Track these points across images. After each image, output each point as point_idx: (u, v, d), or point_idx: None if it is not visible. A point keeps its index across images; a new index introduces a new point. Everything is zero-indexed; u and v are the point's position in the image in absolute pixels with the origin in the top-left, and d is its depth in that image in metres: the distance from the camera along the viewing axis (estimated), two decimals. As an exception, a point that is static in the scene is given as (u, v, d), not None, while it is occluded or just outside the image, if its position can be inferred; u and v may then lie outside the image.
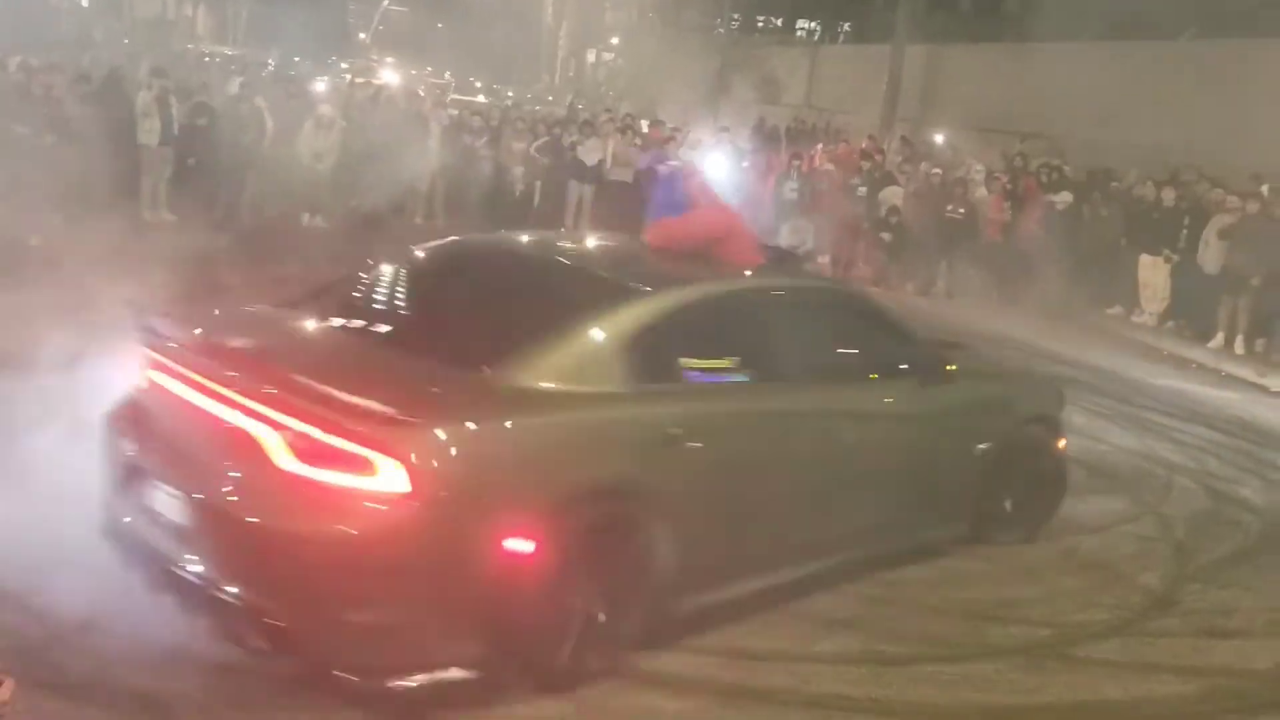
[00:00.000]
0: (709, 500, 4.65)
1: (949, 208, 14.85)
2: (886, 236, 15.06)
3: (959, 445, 5.96)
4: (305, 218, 14.15)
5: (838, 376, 5.49)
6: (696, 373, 4.78)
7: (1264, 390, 11.19)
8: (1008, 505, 6.22)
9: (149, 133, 13.23)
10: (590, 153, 15.64)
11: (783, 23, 45.85)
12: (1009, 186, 15.19)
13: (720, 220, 5.76)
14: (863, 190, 15.44)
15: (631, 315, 4.65)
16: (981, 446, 6.02)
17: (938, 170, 15.70)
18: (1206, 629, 5.56)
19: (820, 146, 17.70)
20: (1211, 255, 13.10)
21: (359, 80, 24.79)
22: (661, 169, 6.49)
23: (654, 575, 4.43)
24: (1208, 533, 6.91)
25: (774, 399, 5.04)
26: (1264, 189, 13.70)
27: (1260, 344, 12.70)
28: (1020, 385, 6.98)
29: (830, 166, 16.37)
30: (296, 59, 30.82)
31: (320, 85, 18.86)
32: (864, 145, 17.57)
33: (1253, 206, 12.87)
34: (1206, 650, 5.36)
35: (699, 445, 4.55)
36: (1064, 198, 14.59)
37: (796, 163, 15.96)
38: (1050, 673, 4.93)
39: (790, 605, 5.27)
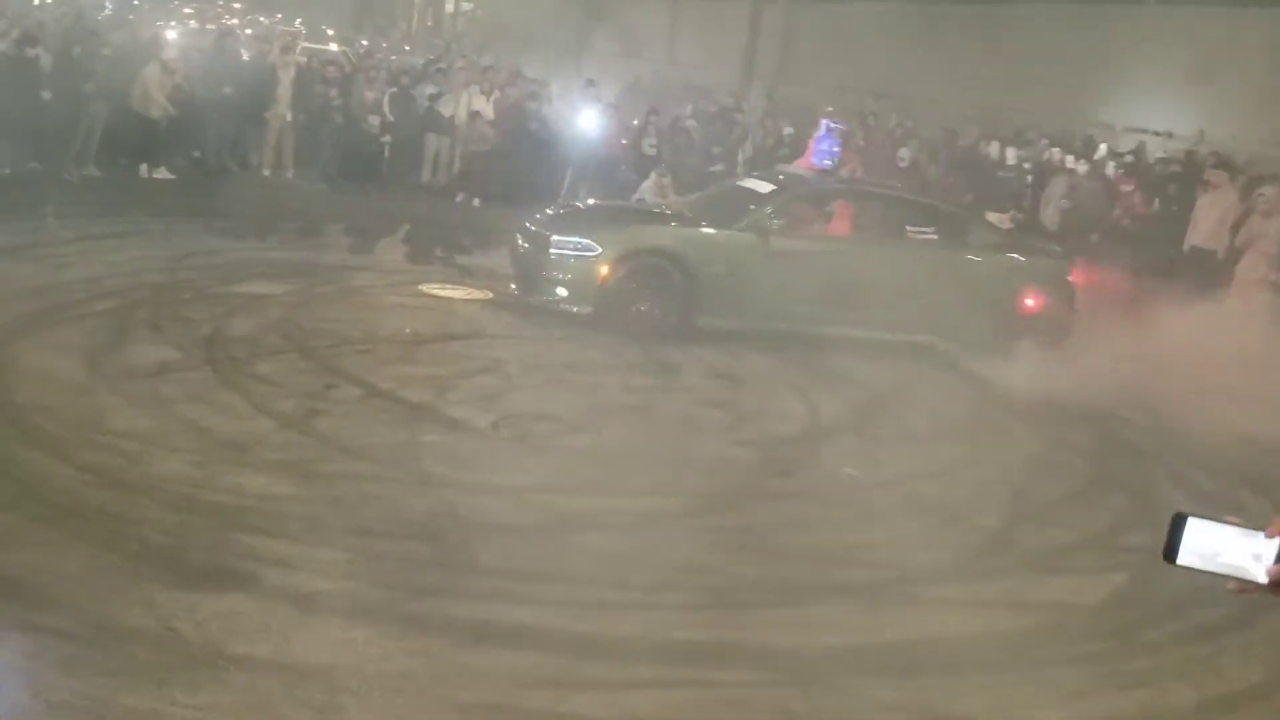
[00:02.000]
0: None
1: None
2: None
3: None
4: (144, 169, 13.49)
5: None
6: None
7: (1098, 340, 11.69)
8: None
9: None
10: (447, 104, 15.31)
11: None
12: (862, 144, 15.47)
13: None
14: (717, 150, 15.52)
15: None
16: None
17: (790, 130, 15.89)
18: (1039, 566, 5.84)
19: (690, 106, 17.70)
20: (1051, 213, 13.63)
21: (206, 26, 23.74)
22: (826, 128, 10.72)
23: None
24: (1042, 475, 7.23)
25: None
26: (1101, 149, 14.31)
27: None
28: None
29: (692, 123, 16.40)
30: (136, 1, 29.30)
31: (167, 31, 17.96)
32: (725, 102, 17.68)
33: (1084, 167, 13.43)
34: (1039, 586, 5.63)
35: None
36: (904, 154, 14.93)
37: (654, 118, 15.93)
38: (892, 612, 5.10)
39: (643, 553, 5.36)
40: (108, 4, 25.41)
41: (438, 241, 12.31)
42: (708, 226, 9.69)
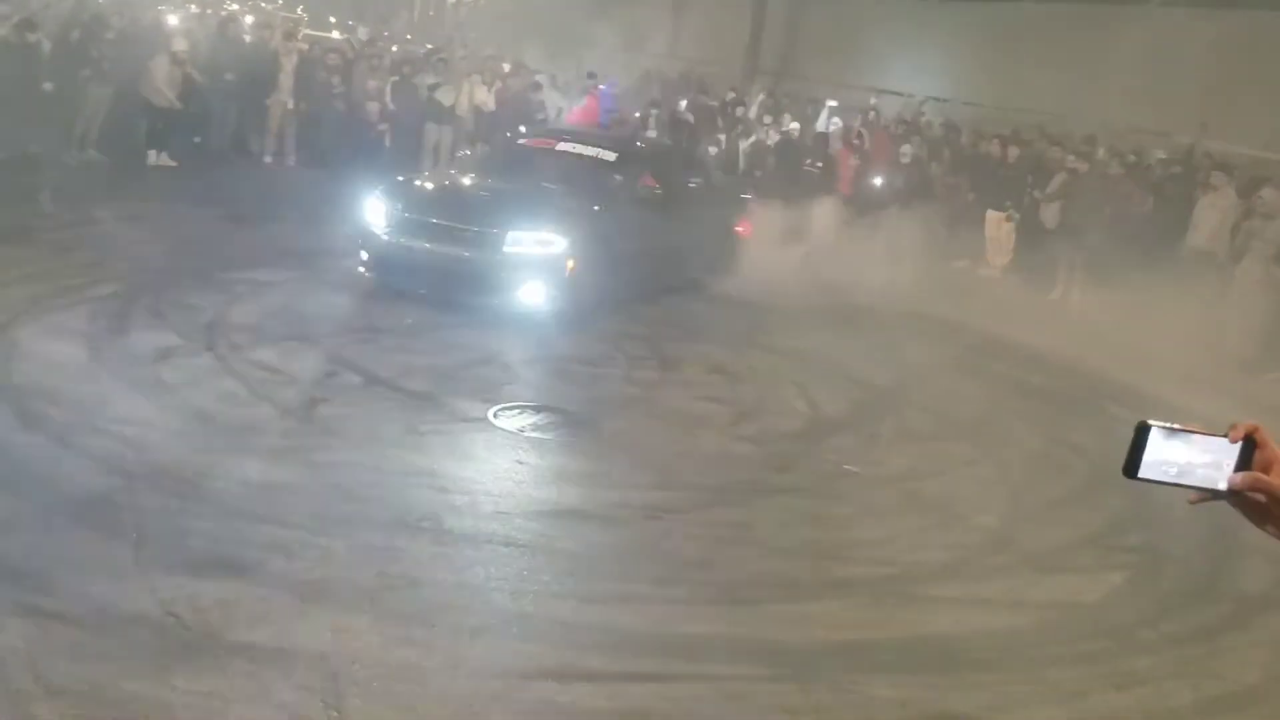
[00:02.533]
0: None
1: (807, 161, 15.06)
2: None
3: None
4: (152, 156, 13.46)
5: None
6: None
7: (1098, 340, 11.70)
8: None
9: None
10: (447, 94, 15.29)
11: (647, -30, 45.45)
12: (857, 141, 15.44)
13: None
14: (720, 139, 15.51)
15: None
16: None
17: (796, 124, 15.86)
18: (1038, 565, 5.85)
19: (684, 102, 17.67)
20: (1051, 212, 13.62)
21: (206, 12, 23.64)
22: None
23: None
24: (1041, 475, 7.24)
25: None
26: (1100, 152, 14.28)
27: (1095, 294, 13.33)
28: None
29: (690, 118, 16.39)
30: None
31: (169, 17, 17.87)
32: (727, 97, 17.67)
33: (1083, 166, 13.42)
34: (1038, 585, 5.64)
35: None
36: (907, 151, 14.91)
37: (654, 111, 15.92)
38: (892, 609, 5.11)
39: (643, 546, 5.36)
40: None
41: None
42: (599, 205, 9.61)
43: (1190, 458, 1.39)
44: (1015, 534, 6.20)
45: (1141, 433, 1.39)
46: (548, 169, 10.21)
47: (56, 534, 4.66)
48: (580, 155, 10.50)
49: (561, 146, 10.72)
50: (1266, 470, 1.37)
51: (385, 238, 9.10)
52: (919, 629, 4.96)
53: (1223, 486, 1.38)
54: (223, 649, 4.02)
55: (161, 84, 13.28)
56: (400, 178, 10.34)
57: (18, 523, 4.70)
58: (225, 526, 4.95)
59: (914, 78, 20.14)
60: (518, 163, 10.50)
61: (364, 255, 9.24)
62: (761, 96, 19.22)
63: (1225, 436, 1.38)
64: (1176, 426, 1.40)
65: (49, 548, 4.52)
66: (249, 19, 20.89)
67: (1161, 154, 14.95)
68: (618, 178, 10.21)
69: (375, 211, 9.19)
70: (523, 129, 12.98)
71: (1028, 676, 4.71)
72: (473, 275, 8.78)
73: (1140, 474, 1.41)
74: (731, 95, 17.79)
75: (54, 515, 4.81)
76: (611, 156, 10.49)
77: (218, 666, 3.91)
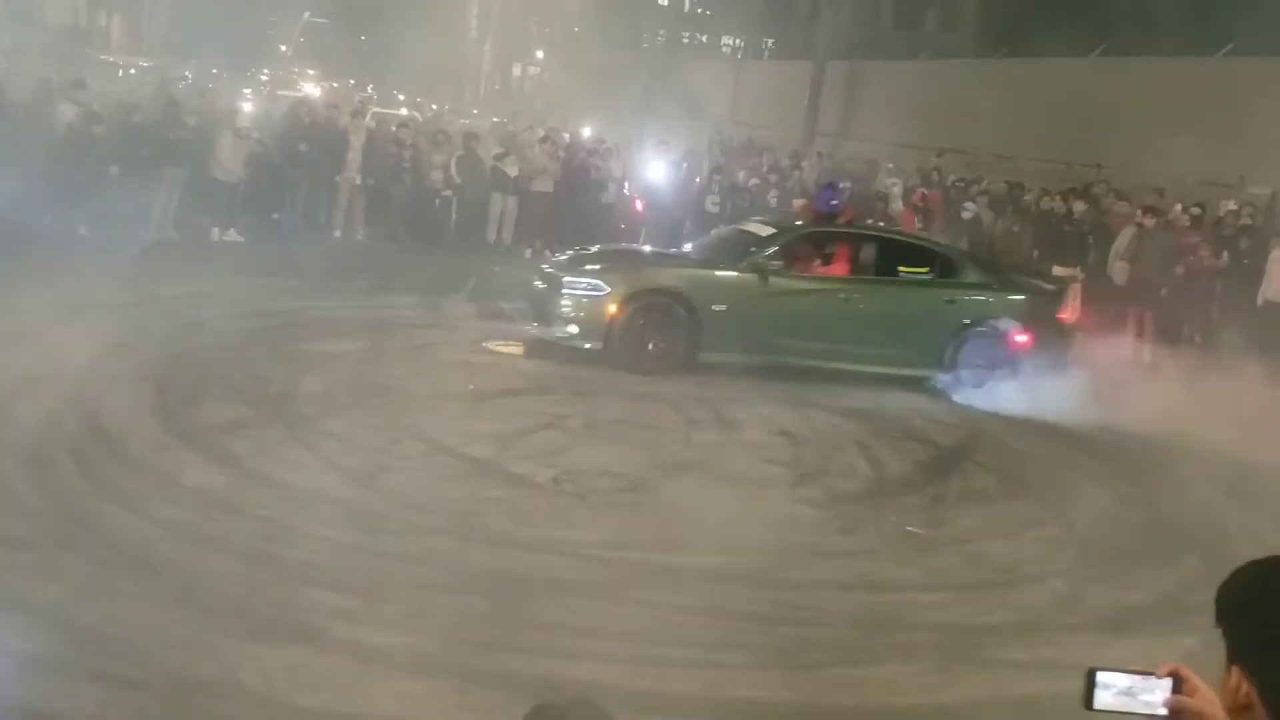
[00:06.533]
0: None
1: (868, 221, 15.04)
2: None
3: None
4: (215, 232, 13.90)
5: None
6: None
7: (1168, 397, 11.45)
8: None
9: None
10: (511, 165, 15.62)
11: (708, 39, 46.21)
12: (920, 203, 15.44)
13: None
14: (774, 202, 15.61)
15: None
16: None
17: (847, 184, 15.88)
18: (1110, 627, 5.71)
19: (744, 173, 17.83)
20: (1119, 267, 13.43)
21: (280, 92, 24.51)
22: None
23: None
24: (1112, 536, 7.09)
25: None
26: (1177, 208, 14.09)
27: (1165, 352, 13.07)
28: None
29: (755, 182, 16.52)
30: (215, 70, 30.30)
31: (242, 100, 18.53)
32: (782, 162, 17.80)
33: (1150, 221, 13.21)
34: (1108, 648, 5.49)
35: None
36: (970, 209, 14.88)
37: (718, 177, 16.08)
38: (956, 673, 5.03)
39: (702, 610, 5.34)
40: (188, 74, 26.32)
41: (503, 298, 12.49)
42: (711, 268, 10.28)
43: (1132, 690, 1.74)
44: (1084, 596, 6.08)
45: (1090, 675, 1.75)
46: (719, 244, 11.15)
47: (129, 600, 4.78)
48: (746, 231, 11.04)
49: (744, 225, 11.50)
50: (1191, 695, 1.71)
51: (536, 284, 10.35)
52: (984, 692, 4.87)
53: (1163, 712, 1.72)
54: (287, 715, 4.08)
55: (226, 159, 13.75)
56: None
57: (93, 588, 4.84)
58: (291, 592, 5.04)
59: (975, 135, 20.13)
60: (712, 240, 11.61)
61: None
62: (817, 158, 19.35)
63: (1155, 674, 1.73)
64: (1119, 669, 1.75)
65: (122, 613, 4.64)
66: (319, 98, 21.58)
67: (1232, 205, 14.72)
68: (751, 249, 10.41)
69: None
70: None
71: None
72: (546, 310, 10.07)
73: (1095, 706, 1.75)
74: (788, 162, 17.90)
75: (127, 581, 4.94)
76: (765, 232, 10.69)
77: (281, 732, 3.98)
